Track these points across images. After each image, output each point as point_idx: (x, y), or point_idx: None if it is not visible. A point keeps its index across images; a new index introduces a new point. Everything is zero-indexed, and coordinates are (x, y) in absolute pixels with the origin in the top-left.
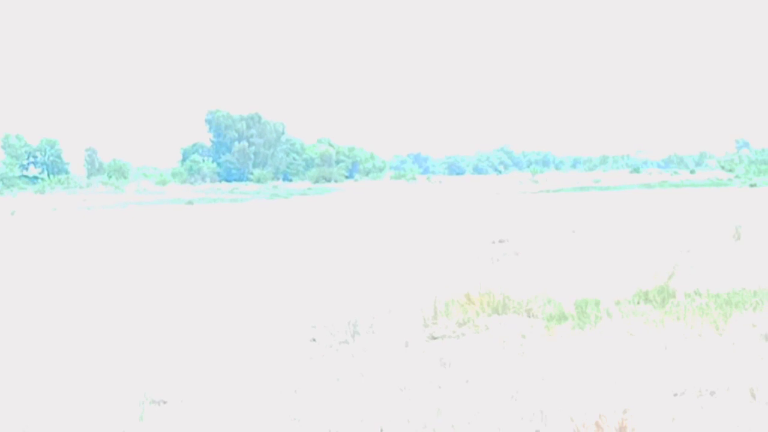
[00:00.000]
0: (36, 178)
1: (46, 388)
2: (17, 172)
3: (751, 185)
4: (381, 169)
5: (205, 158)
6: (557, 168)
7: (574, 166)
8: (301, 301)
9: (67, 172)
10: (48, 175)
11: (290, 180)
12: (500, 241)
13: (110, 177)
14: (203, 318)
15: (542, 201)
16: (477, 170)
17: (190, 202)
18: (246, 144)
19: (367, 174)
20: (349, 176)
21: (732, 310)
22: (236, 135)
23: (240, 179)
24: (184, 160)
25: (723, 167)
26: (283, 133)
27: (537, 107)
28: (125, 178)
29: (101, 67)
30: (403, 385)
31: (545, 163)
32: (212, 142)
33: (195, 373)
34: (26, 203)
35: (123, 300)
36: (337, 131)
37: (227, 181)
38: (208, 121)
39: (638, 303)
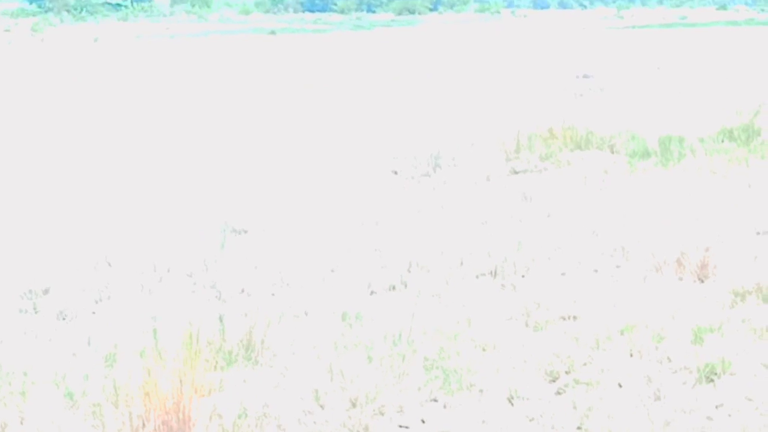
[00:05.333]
0: (119, 5)
1: (129, 218)
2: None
3: None
4: (465, 2)
5: None
6: (643, 4)
7: (660, 2)
8: (383, 134)
9: (150, 0)
10: (131, 2)
11: (373, 11)
12: (585, 77)
13: (193, 6)
14: (287, 150)
15: (627, 37)
16: (562, 5)
17: (272, 32)
18: None
19: (451, 6)
20: (433, 9)
21: None
22: None
23: (323, 10)
24: None
25: None
26: None
27: None
28: (209, 7)
29: None
30: (484, 219)
31: None
32: None
33: (276, 204)
34: (109, 30)
35: (206, 130)
36: None
37: (310, 11)
38: None
39: (722, 141)
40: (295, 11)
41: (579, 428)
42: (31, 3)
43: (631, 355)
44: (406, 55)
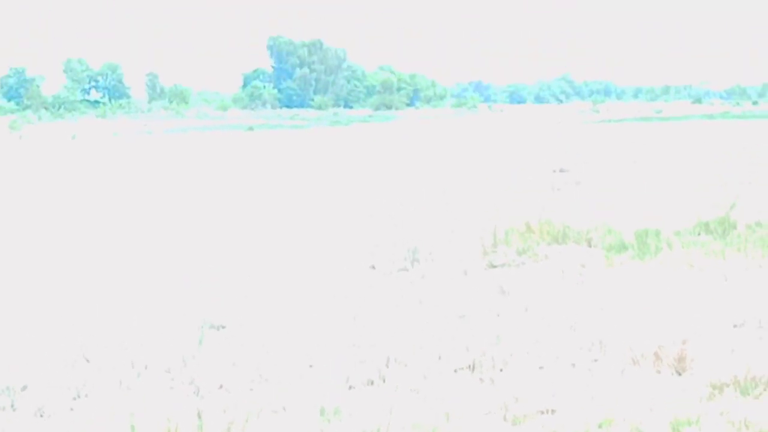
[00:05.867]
0: (97, 102)
1: (107, 313)
2: (79, 96)
3: None
4: (442, 97)
5: (266, 84)
6: (618, 98)
7: (635, 95)
8: (360, 228)
9: (128, 97)
10: (109, 99)
11: (351, 107)
12: (561, 171)
13: (171, 102)
14: (263, 244)
15: (603, 131)
16: (538, 99)
17: (250, 128)
18: (307, 71)
19: (428, 102)
20: (410, 104)
21: None
22: (297, 61)
23: (301, 106)
24: (245, 86)
25: None
26: (344, 60)
27: (598, 35)
28: (186, 103)
29: None
30: (462, 313)
31: (607, 92)
32: (273, 68)
33: (255, 298)
34: (87, 127)
35: (185, 227)
36: (398, 58)
37: (288, 107)
38: (270, 47)
39: (699, 234)
40: (273, 107)
41: None
42: (9, 101)
43: None
44: (383, 150)
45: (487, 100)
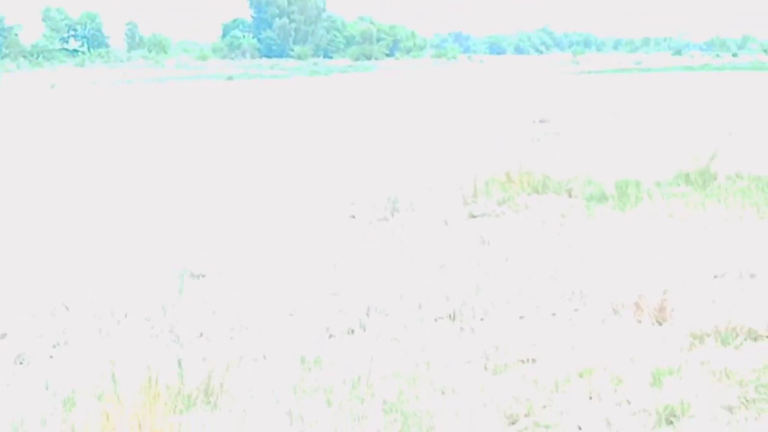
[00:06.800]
0: (76, 51)
1: (86, 263)
2: (57, 45)
3: None
4: (422, 48)
5: (246, 34)
6: (598, 49)
7: (615, 47)
8: (340, 178)
9: (107, 46)
10: (88, 48)
11: (331, 57)
12: (541, 121)
13: (150, 51)
14: (243, 194)
15: (583, 82)
16: (518, 50)
17: (230, 78)
18: (287, 20)
19: (408, 52)
20: (390, 54)
21: None
22: (277, 11)
23: (280, 56)
24: (224, 35)
25: (766, 51)
26: (324, 10)
27: None
28: (165, 52)
29: None
30: (443, 263)
31: (586, 44)
32: (253, 17)
33: (234, 247)
34: (66, 76)
35: (162, 176)
36: (378, 9)
37: (267, 57)
38: None
39: (679, 185)
40: (252, 57)
41: None
42: None
43: (590, 398)
44: (364, 100)
45: (466, 51)
